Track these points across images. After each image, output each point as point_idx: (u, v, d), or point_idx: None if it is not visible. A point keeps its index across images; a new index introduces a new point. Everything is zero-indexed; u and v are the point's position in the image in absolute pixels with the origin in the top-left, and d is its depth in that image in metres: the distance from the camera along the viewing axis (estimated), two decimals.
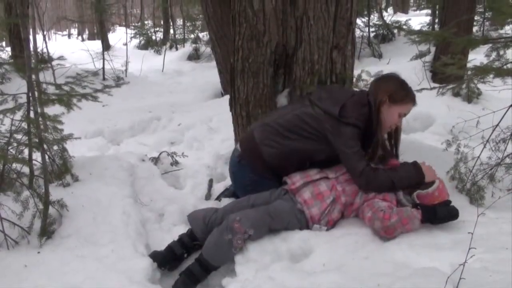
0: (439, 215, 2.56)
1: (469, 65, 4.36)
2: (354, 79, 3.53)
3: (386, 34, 12.90)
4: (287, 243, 2.59)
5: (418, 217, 2.52)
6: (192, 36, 16.02)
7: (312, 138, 2.90)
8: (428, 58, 8.36)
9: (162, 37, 17.85)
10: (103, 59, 9.95)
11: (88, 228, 2.76)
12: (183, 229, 2.99)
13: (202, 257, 2.59)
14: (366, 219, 2.66)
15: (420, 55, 8.25)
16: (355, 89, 3.54)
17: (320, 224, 2.72)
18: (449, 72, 3.90)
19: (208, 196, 3.69)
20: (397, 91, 2.87)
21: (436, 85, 5.76)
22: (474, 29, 10.48)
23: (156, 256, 2.68)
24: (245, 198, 2.91)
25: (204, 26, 13.77)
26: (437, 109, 5.93)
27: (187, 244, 2.80)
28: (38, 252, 2.56)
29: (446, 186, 2.92)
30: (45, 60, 9.19)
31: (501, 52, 3.61)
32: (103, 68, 9.92)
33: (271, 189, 2.95)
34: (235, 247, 2.56)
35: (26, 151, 2.98)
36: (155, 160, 4.11)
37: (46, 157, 2.86)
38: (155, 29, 18.77)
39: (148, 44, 17.30)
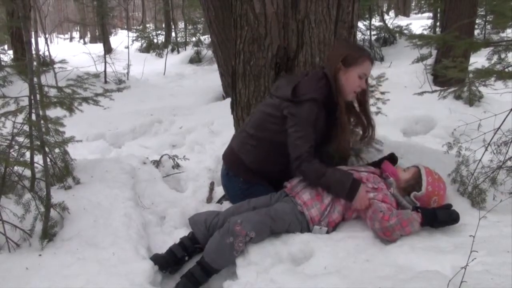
0: (439, 218, 2.55)
1: (470, 68, 4.37)
2: None
3: (387, 37, 12.91)
4: (288, 246, 2.58)
5: (418, 220, 2.52)
6: (194, 39, 16.06)
7: (280, 128, 2.87)
8: (430, 61, 8.37)
9: (163, 40, 17.90)
10: (105, 62, 9.98)
11: (89, 230, 2.76)
12: (184, 232, 2.99)
13: (204, 260, 2.59)
14: (368, 217, 2.66)
15: (422, 58, 8.25)
16: None
17: (320, 225, 2.72)
18: (450, 75, 3.91)
19: (209, 199, 3.69)
20: (349, 54, 2.84)
21: (438, 88, 5.78)
22: (476, 32, 10.50)
23: (157, 259, 2.67)
24: (246, 201, 2.91)
25: (206, 29, 13.81)
26: (439, 112, 5.95)
27: (188, 247, 2.80)
28: (40, 255, 2.55)
29: (447, 189, 2.93)
30: (47, 63, 9.23)
31: (503, 55, 3.61)
32: (105, 71, 9.95)
33: (264, 194, 2.96)
34: (236, 250, 2.55)
35: (27, 154, 2.99)
36: (157, 163, 4.12)
37: (48, 159, 2.86)
38: (157, 32, 18.83)
39: (149, 47, 17.38)
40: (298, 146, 2.77)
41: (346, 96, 2.89)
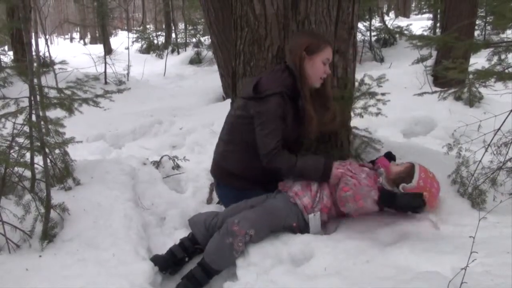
0: (398, 202, 2.59)
1: (470, 69, 4.37)
2: (356, 83, 3.53)
3: (387, 38, 12.92)
4: (288, 247, 2.58)
5: (374, 198, 2.56)
6: (194, 40, 16.07)
7: (251, 128, 2.88)
8: (430, 62, 8.37)
9: (163, 41, 17.91)
10: (105, 63, 9.97)
11: (89, 231, 2.76)
12: (184, 233, 2.99)
13: (204, 262, 2.60)
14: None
15: (422, 59, 8.26)
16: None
17: (314, 212, 2.74)
18: (450, 76, 3.91)
19: (209, 200, 3.69)
20: (310, 42, 2.86)
21: (438, 89, 5.78)
22: (476, 33, 10.50)
23: (157, 260, 2.68)
24: (243, 201, 2.92)
25: (206, 30, 13.82)
26: (439, 113, 5.94)
27: (188, 248, 2.80)
28: (40, 256, 2.56)
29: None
30: (47, 64, 9.22)
31: (503, 56, 3.61)
32: (105, 72, 9.94)
33: (259, 196, 2.97)
34: (236, 250, 2.56)
35: (27, 155, 2.99)
36: (157, 164, 4.11)
37: (48, 160, 2.85)
38: (157, 33, 18.85)
39: (150, 48, 17.39)
40: (267, 143, 2.80)
41: (313, 83, 2.91)
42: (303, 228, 2.76)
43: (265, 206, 2.77)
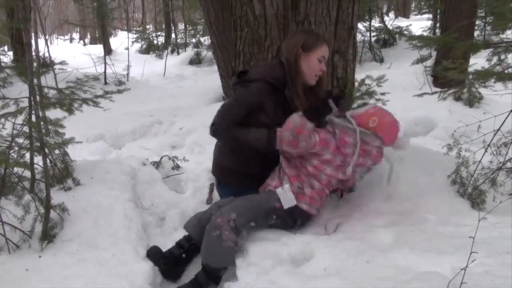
0: (315, 106, 2.74)
1: (470, 69, 4.38)
2: (356, 83, 3.54)
3: (387, 38, 12.93)
4: (288, 247, 2.58)
5: (299, 114, 2.65)
6: (194, 40, 16.07)
7: (244, 121, 2.89)
8: (430, 62, 8.39)
9: (163, 41, 17.91)
10: (105, 63, 9.97)
11: (89, 232, 2.76)
12: (184, 233, 2.99)
13: (204, 264, 2.61)
14: None
15: (422, 60, 8.27)
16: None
17: (282, 186, 2.79)
18: (450, 77, 3.91)
19: (209, 200, 3.68)
20: (306, 40, 2.87)
21: (438, 89, 5.79)
22: (476, 33, 10.51)
23: (154, 254, 2.69)
24: (232, 197, 2.96)
25: (206, 31, 13.83)
26: (439, 113, 5.95)
27: (183, 245, 2.82)
28: (39, 256, 2.56)
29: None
30: (47, 65, 9.21)
31: (502, 57, 3.62)
32: (105, 72, 9.94)
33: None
34: (225, 240, 2.55)
35: (27, 155, 2.98)
36: (157, 164, 4.11)
37: (48, 161, 2.85)
38: (157, 34, 18.85)
39: (149, 48, 17.38)
40: (224, 116, 2.84)
41: (308, 80, 2.91)
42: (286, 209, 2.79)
43: (245, 196, 2.84)
